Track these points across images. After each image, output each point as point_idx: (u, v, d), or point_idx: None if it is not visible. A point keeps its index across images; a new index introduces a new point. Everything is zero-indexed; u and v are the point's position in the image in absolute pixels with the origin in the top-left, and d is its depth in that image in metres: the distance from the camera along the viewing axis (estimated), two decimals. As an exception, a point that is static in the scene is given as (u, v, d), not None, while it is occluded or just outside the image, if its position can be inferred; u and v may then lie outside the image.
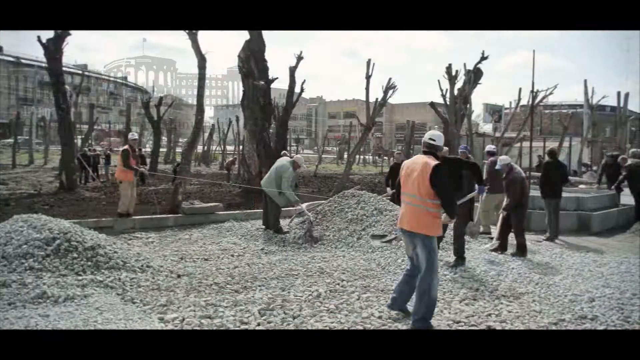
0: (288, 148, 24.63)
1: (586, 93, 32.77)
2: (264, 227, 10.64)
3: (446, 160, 8.20)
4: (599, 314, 5.76)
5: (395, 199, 8.32)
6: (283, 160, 10.74)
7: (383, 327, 5.25)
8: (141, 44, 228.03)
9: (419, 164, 5.29)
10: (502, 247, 9.11)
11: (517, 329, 5.32)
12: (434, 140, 5.46)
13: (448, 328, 5.28)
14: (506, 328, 5.33)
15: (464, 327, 5.33)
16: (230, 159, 28.65)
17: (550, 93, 24.60)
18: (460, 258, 8.04)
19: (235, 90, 69.97)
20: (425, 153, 5.43)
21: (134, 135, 13.16)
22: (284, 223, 10.60)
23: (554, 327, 5.36)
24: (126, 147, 11.82)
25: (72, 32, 16.18)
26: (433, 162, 5.21)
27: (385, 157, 43.60)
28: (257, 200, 14.56)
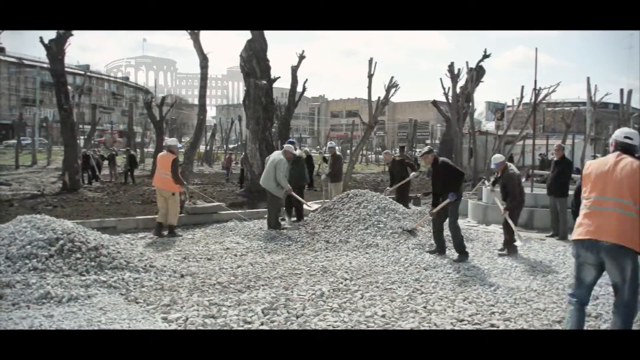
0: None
1: (589, 90, 32.64)
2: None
3: (442, 162, 8.39)
4: (603, 312, 5.76)
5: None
6: (275, 155, 11.07)
7: (386, 326, 5.25)
8: (141, 44, 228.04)
9: (623, 164, 4.43)
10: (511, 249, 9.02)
11: (520, 327, 5.32)
12: (631, 139, 4.59)
13: (452, 326, 5.28)
14: (510, 326, 5.33)
15: (468, 326, 5.32)
16: (227, 157, 28.82)
17: (553, 91, 24.50)
18: (463, 254, 8.09)
19: (235, 90, 70.22)
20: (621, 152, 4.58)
21: (174, 141, 11.07)
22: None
23: (557, 325, 5.36)
24: (174, 156, 10.37)
25: (73, 32, 16.23)
26: None
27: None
28: (260, 199, 14.59)
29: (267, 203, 11.13)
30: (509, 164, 9.30)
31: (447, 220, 8.40)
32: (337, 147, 15.04)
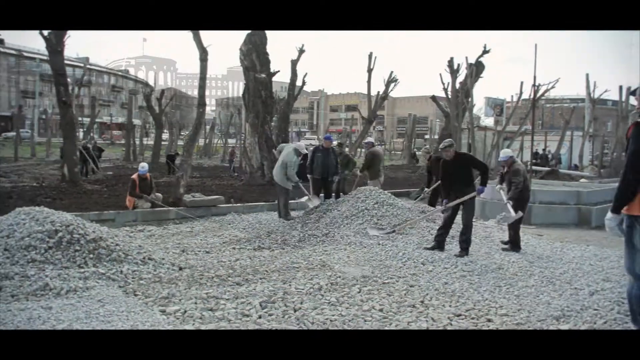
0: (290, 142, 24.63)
1: (588, 87, 32.70)
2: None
3: (460, 155, 8.37)
4: (600, 308, 5.78)
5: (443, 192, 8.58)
6: (289, 148, 11.46)
7: (384, 320, 5.27)
8: (141, 42, 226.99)
9: None
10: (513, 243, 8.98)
11: (517, 322, 5.33)
12: None
13: (449, 321, 5.31)
14: (506, 321, 5.35)
15: (465, 320, 5.34)
16: (230, 150, 28.81)
17: (552, 87, 24.55)
18: (465, 250, 8.09)
19: (235, 90, 70.23)
20: None
21: (144, 167, 11.99)
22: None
23: (555, 321, 5.37)
24: (133, 176, 11.76)
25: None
26: None
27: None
28: (260, 194, 14.61)
29: (277, 194, 11.53)
30: (516, 158, 9.14)
31: (465, 215, 8.26)
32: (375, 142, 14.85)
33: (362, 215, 9.88)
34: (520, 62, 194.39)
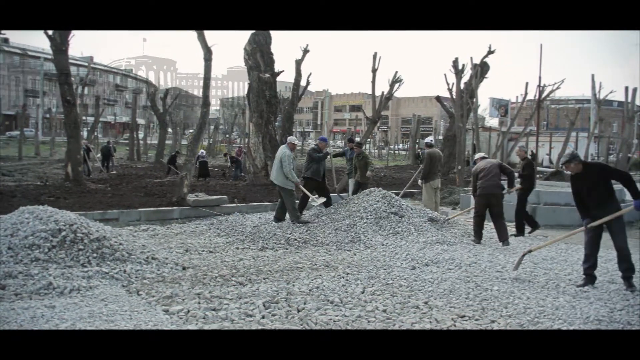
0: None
1: (593, 88, 32.58)
2: (275, 221, 10.83)
3: (588, 166, 6.90)
4: (603, 309, 5.74)
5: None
6: (280, 149, 11.14)
7: (387, 321, 5.24)
8: (141, 42, 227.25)
9: None
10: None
11: (522, 323, 5.30)
12: None
13: (452, 322, 5.28)
14: (510, 322, 5.32)
15: (469, 322, 5.32)
16: (237, 149, 28.80)
17: (557, 88, 24.46)
18: (628, 279, 6.85)
19: (235, 90, 70.33)
20: None
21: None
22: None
23: (559, 322, 5.34)
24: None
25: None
26: None
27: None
28: (263, 194, 14.61)
29: (280, 199, 10.95)
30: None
31: (616, 239, 6.95)
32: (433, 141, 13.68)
33: (368, 216, 9.87)
34: (526, 63, 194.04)
